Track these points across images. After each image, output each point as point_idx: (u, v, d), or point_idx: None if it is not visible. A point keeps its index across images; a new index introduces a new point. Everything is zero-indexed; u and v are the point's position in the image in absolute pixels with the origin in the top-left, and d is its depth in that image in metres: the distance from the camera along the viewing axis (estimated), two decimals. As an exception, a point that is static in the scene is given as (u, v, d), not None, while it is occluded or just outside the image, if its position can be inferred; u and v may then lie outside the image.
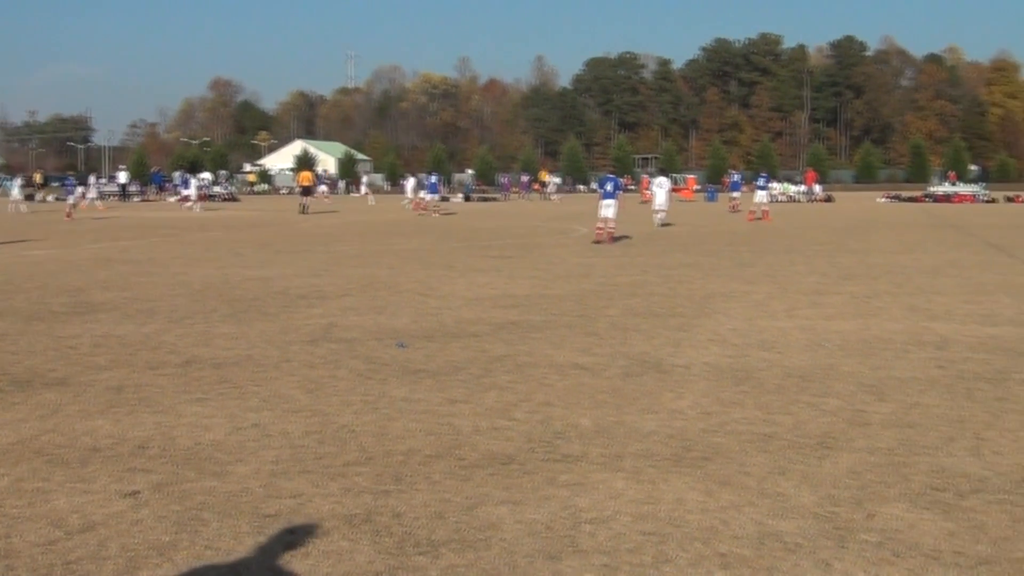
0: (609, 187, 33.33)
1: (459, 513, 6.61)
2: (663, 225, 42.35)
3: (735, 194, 63.76)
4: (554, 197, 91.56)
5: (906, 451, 8.07)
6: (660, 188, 45.39)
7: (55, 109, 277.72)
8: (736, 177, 71.44)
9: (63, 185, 72.40)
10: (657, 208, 43.99)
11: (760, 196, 49.95)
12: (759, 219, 48.13)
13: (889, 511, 6.64)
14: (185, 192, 72.66)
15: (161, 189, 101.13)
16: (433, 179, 61.79)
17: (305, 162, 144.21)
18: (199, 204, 65.00)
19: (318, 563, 5.81)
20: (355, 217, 54.68)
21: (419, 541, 6.12)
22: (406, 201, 67.76)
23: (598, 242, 32.33)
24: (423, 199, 60.76)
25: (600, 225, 33.04)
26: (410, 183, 73.17)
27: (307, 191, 62.98)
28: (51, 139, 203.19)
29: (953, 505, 6.76)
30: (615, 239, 32.95)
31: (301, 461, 7.78)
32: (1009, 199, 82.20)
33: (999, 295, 17.94)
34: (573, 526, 6.39)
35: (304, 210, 58.67)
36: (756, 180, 53.59)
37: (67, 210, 54.47)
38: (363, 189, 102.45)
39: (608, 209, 32.72)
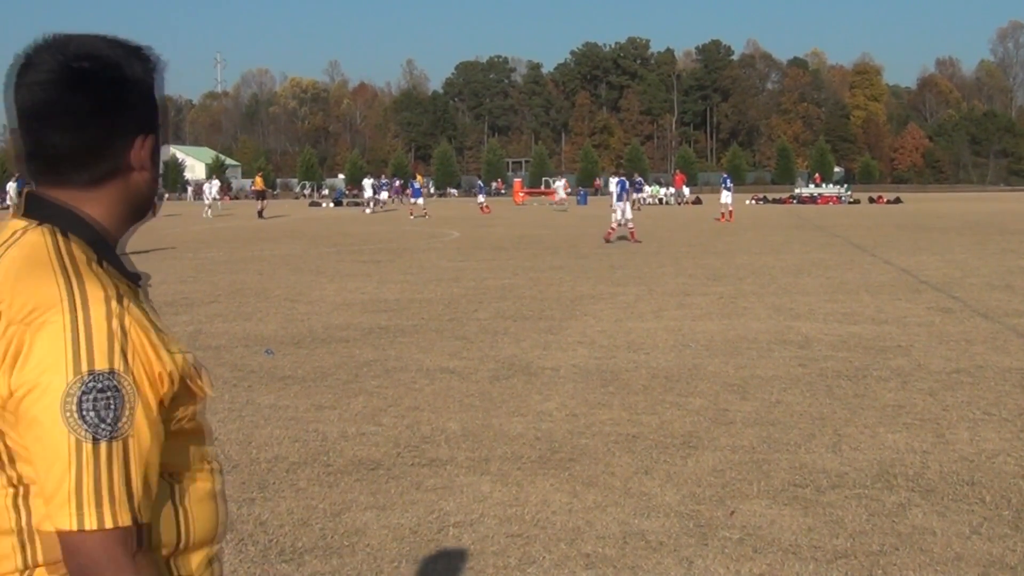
0: (618, 189, 36.08)
1: (324, 520, 6.58)
2: (618, 225, 42.74)
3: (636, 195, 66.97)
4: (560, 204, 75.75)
5: (768, 448, 8.20)
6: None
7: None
8: (638, 179, 73.03)
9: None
10: (614, 208, 44.49)
11: (725, 197, 50.71)
12: (717, 219, 49.12)
13: (750, 508, 6.75)
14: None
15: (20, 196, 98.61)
16: (416, 185, 64.38)
17: (173, 167, 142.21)
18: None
19: (180, 574, 5.73)
20: (241, 223, 54.08)
21: (283, 549, 6.08)
22: (207, 212, 63.87)
23: (608, 240, 34.20)
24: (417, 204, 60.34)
25: (613, 226, 34.90)
26: (211, 186, 71.58)
27: (261, 195, 62.37)
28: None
29: (812, 501, 6.90)
30: (636, 239, 34.35)
31: (164, 471, 7.66)
32: (872, 200, 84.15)
33: (860, 294, 18.33)
34: (439, 530, 6.40)
35: (261, 214, 58.33)
36: (723, 181, 53.88)
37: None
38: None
39: (619, 211, 35.13)
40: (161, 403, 1.93)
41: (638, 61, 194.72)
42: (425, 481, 7.41)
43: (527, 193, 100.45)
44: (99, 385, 1.82)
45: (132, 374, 1.86)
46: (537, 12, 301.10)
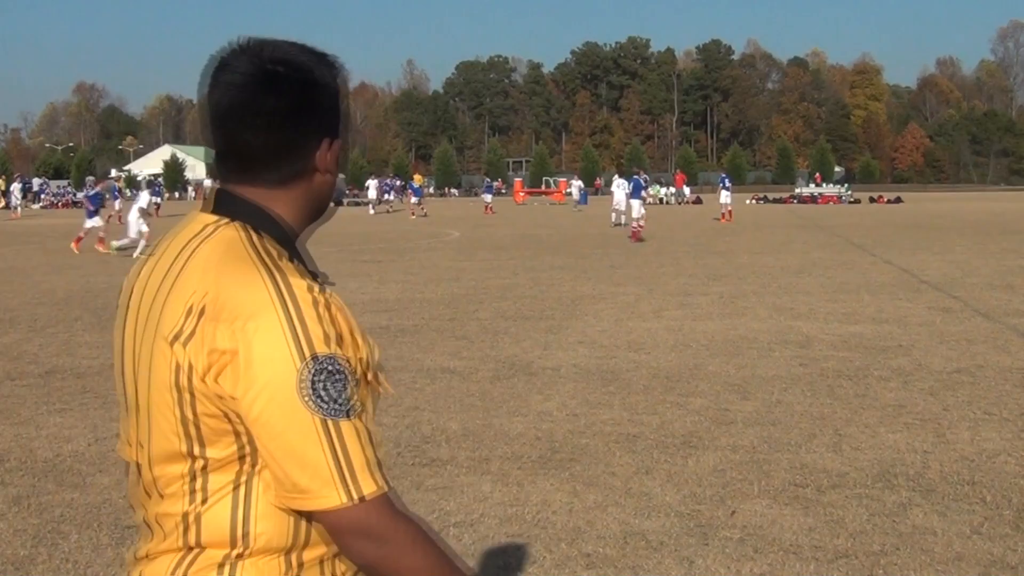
0: (631, 188, 37.59)
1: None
2: (617, 224, 42.94)
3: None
4: (578, 205, 74.46)
5: (768, 448, 8.20)
6: (618, 188, 45.81)
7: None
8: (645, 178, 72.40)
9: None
10: (615, 206, 44.59)
11: (724, 197, 50.53)
12: (718, 219, 49.03)
13: (751, 507, 6.75)
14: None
15: (23, 196, 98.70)
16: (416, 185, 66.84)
17: (174, 167, 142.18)
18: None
19: (180, 574, 5.73)
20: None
21: (284, 549, 6.06)
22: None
23: (638, 240, 34.20)
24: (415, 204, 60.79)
25: (641, 224, 35.33)
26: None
27: None
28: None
29: (813, 500, 6.89)
30: (640, 238, 34.44)
31: (164, 471, 7.66)
32: (872, 200, 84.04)
33: (861, 293, 18.31)
34: (440, 530, 6.38)
35: None
36: (721, 181, 53.80)
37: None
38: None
39: (635, 209, 35.97)
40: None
41: (638, 61, 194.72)
42: (425, 481, 7.40)
43: (527, 192, 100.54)
44: (326, 368, 1.91)
45: (346, 355, 1.97)
46: (537, 12, 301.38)
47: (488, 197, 70.34)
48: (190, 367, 1.94)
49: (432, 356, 12.47)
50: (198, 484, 2.01)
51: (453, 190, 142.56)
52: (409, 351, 12.83)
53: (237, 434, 1.96)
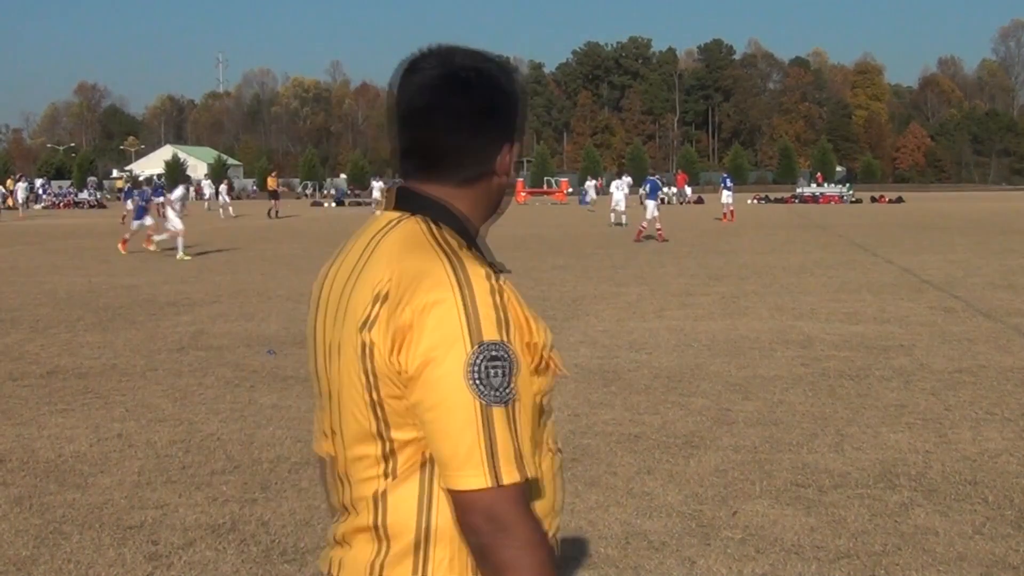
0: (647, 189, 37.74)
1: (327, 521, 6.55)
2: (616, 224, 43.04)
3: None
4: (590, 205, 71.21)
5: (770, 448, 8.20)
6: (618, 189, 45.91)
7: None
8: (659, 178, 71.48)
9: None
10: (614, 207, 44.67)
11: (726, 197, 50.50)
12: (719, 219, 48.92)
13: (753, 508, 6.75)
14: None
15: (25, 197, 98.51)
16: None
17: (175, 167, 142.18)
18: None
19: (182, 573, 5.74)
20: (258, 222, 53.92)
21: (285, 549, 6.07)
22: (229, 211, 62.15)
23: (638, 241, 34.21)
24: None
25: (643, 225, 35.45)
26: (222, 190, 68.66)
27: (274, 195, 61.38)
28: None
29: (815, 501, 6.89)
30: (649, 239, 34.49)
31: (166, 471, 7.67)
32: (874, 199, 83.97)
33: (862, 293, 18.31)
34: (441, 530, 6.38)
35: (275, 215, 57.67)
36: (723, 181, 53.94)
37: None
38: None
39: (648, 210, 36.13)
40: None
41: (640, 60, 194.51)
42: (427, 481, 7.38)
43: (529, 192, 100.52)
44: (494, 354, 2.00)
45: (513, 344, 2.05)
46: (539, 12, 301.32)
47: None
48: (376, 349, 2.04)
49: (434, 356, 12.43)
50: (388, 467, 2.10)
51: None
52: (411, 351, 12.79)
53: None
